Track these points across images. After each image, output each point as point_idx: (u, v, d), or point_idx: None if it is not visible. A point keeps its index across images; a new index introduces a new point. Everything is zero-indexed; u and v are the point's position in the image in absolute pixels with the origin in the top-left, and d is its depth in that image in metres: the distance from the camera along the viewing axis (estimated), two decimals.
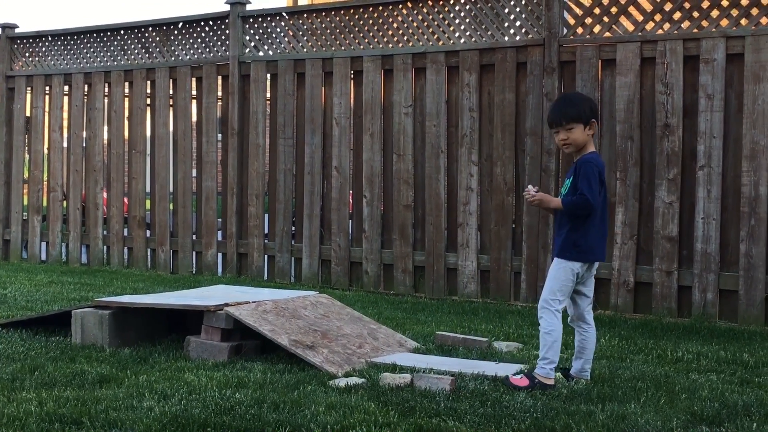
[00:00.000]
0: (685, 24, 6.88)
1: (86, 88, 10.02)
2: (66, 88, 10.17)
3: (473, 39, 7.75)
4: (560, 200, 4.37)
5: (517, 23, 7.57)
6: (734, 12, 6.68)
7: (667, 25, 6.94)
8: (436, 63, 7.87)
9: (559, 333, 4.30)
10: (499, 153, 7.56)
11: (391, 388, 4.13)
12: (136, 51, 9.71)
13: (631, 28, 7.10)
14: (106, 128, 9.95)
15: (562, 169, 7.35)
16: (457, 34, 7.86)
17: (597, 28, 7.22)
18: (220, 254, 9.13)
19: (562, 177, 7.35)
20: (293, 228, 8.76)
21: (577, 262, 4.35)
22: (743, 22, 6.66)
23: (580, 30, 7.29)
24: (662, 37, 6.88)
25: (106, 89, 9.90)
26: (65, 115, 10.23)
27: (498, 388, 4.17)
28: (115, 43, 9.85)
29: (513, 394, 4.05)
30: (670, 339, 5.74)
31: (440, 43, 7.91)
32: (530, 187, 4.51)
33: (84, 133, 10.00)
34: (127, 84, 9.74)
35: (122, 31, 9.82)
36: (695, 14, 6.83)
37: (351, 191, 8.39)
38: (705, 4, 6.79)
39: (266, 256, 8.82)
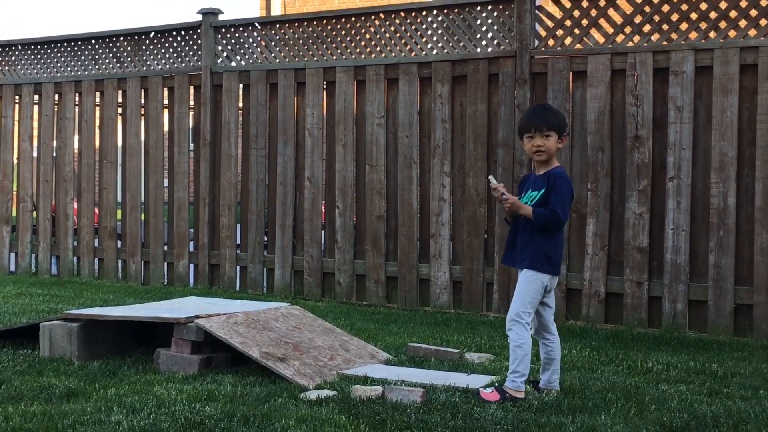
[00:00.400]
0: (655, 36, 6.95)
1: (57, 98, 9.94)
2: (36, 97, 10.08)
3: (445, 50, 7.78)
4: (531, 209, 4.34)
5: (489, 35, 7.60)
6: (703, 25, 6.75)
7: (637, 38, 7.00)
8: (408, 74, 7.88)
9: (530, 346, 4.31)
10: (472, 164, 7.59)
11: (363, 400, 4.12)
12: (107, 60, 9.65)
13: (601, 40, 7.16)
14: (76, 138, 9.87)
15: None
16: (429, 45, 7.88)
17: (568, 40, 7.27)
18: (191, 265, 9.07)
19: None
20: (266, 239, 8.73)
21: (548, 275, 4.36)
22: (712, 35, 6.73)
23: (551, 42, 7.33)
24: (632, 50, 6.94)
25: (77, 99, 9.83)
26: (35, 124, 10.13)
27: (469, 400, 4.18)
28: (86, 52, 9.78)
29: (484, 407, 4.05)
30: (640, 349, 5.77)
31: (413, 54, 7.93)
32: (492, 179, 4.47)
33: (54, 142, 9.92)
34: (98, 93, 9.68)
35: (93, 41, 9.76)
36: (665, 27, 6.90)
37: (323, 202, 8.38)
38: (674, 17, 6.86)
39: (238, 267, 8.77)
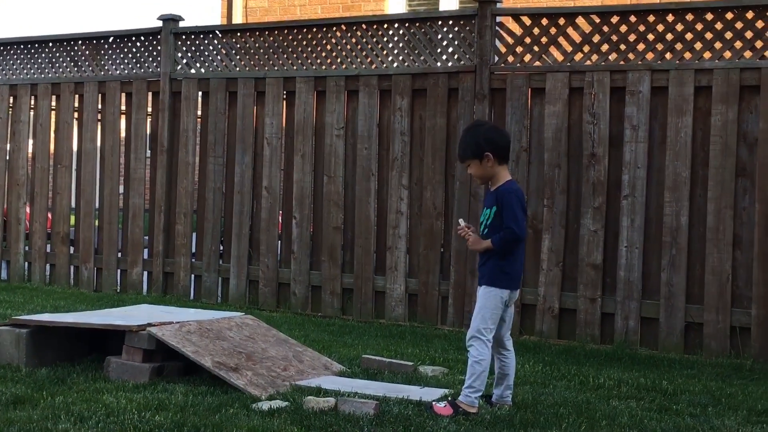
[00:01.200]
0: (613, 56, 7.04)
1: (11, 100, 9.80)
2: None
3: (406, 63, 7.81)
4: (489, 242, 4.35)
5: (450, 49, 7.65)
6: (659, 46, 6.86)
7: (595, 57, 7.09)
8: (368, 86, 7.90)
9: (488, 363, 4.29)
10: (429, 177, 7.61)
11: (315, 412, 4.10)
12: (64, 64, 9.53)
13: (560, 58, 7.24)
14: (31, 141, 9.73)
15: None
16: (390, 58, 7.91)
17: (527, 57, 7.33)
18: (145, 272, 8.97)
19: None
20: (221, 247, 8.66)
21: (507, 290, 4.37)
22: (668, 56, 6.84)
23: (511, 58, 7.39)
24: (590, 68, 7.02)
25: (33, 102, 9.69)
26: None
27: (422, 413, 4.17)
28: (43, 55, 9.66)
29: (437, 419, 4.05)
30: (592, 365, 5.82)
31: (373, 66, 7.94)
32: (461, 221, 4.55)
33: (8, 145, 9.76)
34: (54, 97, 9.55)
35: (50, 44, 9.64)
36: (622, 47, 6.99)
37: (281, 212, 8.34)
38: (632, 38, 6.96)
39: (193, 276, 8.70)
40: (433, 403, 4.29)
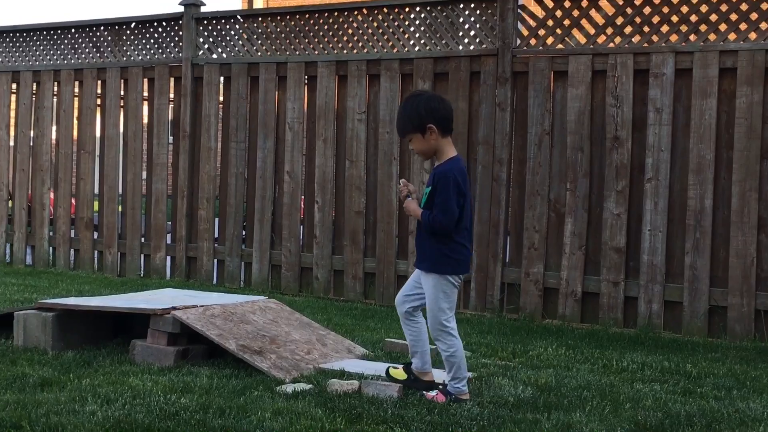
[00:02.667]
0: (636, 38, 6.98)
1: (35, 87, 9.86)
2: (14, 86, 9.99)
3: (428, 47, 7.78)
4: (420, 214, 4.12)
5: (472, 33, 7.61)
6: (683, 28, 6.79)
7: (618, 39, 7.03)
8: (390, 70, 7.88)
9: (461, 349, 4.18)
10: None
11: (339, 394, 4.11)
12: (87, 50, 9.58)
13: (583, 40, 7.19)
14: (54, 128, 9.79)
15: (514, 179, 7.41)
16: (411, 42, 7.88)
17: (550, 40, 7.29)
18: (169, 258, 9.03)
19: (514, 186, 7.42)
20: (244, 232, 8.70)
21: (455, 274, 4.18)
22: (692, 37, 6.77)
23: (533, 41, 7.35)
24: (613, 51, 6.97)
25: (56, 88, 9.75)
26: (13, 113, 10.04)
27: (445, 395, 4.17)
28: (66, 41, 9.70)
29: (460, 402, 4.06)
30: (615, 349, 5.81)
31: (395, 50, 7.93)
32: (402, 181, 4.30)
33: (31, 132, 9.83)
34: (77, 83, 9.60)
35: (73, 30, 9.68)
36: (646, 29, 6.93)
37: (303, 196, 8.36)
38: (655, 20, 6.90)
39: (216, 260, 8.74)
40: (425, 393, 4.19)
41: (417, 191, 4.30)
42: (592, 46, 7.10)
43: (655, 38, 6.90)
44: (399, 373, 4.33)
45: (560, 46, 7.24)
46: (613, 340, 6.17)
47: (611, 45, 7.05)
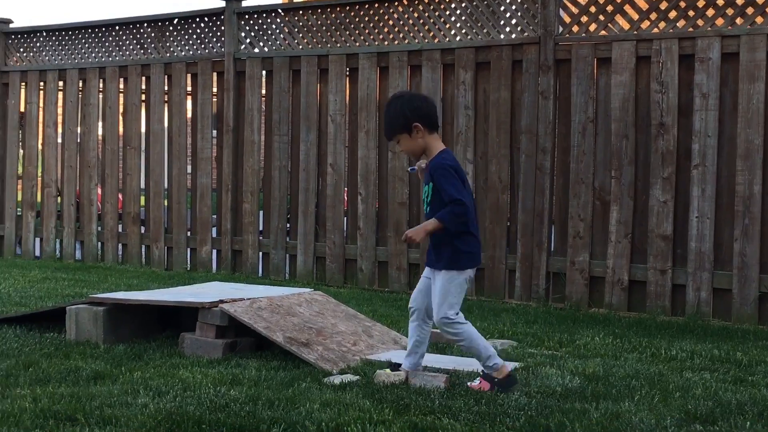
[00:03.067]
0: (681, 23, 6.89)
1: (81, 84, 10.00)
2: (61, 83, 10.15)
3: (469, 37, 7.75)
4: (435, 220, 4.07)
5: (513, 21, 7.57)
6: (729, 11, 6.69)
7: (662, 24, 6.95)
8: (431, 60, 7.86)
9: (474, 331, 4.16)
10: (494, 151, 7.57)
11: (386, 385, 4.13)
12: (131, 47, 9.69)
13: (626, 26, 7.11)
14: (100, 124, 9.93)
15: (557, 168, 7.36)
16: (452, 32, 7.86)
17: (593, 27, 7.22)
18: (214, 251, 9.12)
19: (558, 175, 7.37)
20: (288, 225, 8.76)
21: (469, 269, 4.18)
22: (738, 21, 6.67)
23: (575, 28, 7.29)
24: (658, 36, 6.89)
25: (101, 85, 9.88)
26: (60, 110, 10.20)
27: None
28: (110, 38, 9.83)
29: (507, 393, 4.05)
30: (664, 337, 5.76)
31: (436, 40, 7.91)
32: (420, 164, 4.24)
33: (78, 128, 9.98)
34: (122, 80, 9.73)
35: (117, 27, 9.80)
36: (691, 13, 6.84)
37: (346, 188, 8.39)
38: (701, 3, 6.80)
39: (261, 253, 8.81)
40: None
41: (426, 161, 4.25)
42: (635, 32, 7.02)
43: (700, 22, 6.80)
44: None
45: (603, 32, 7.17)
46: (661, 329, 6.12)
47: (655, 30, 6.96)
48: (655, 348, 5.30)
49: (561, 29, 7.34)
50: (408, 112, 4.14)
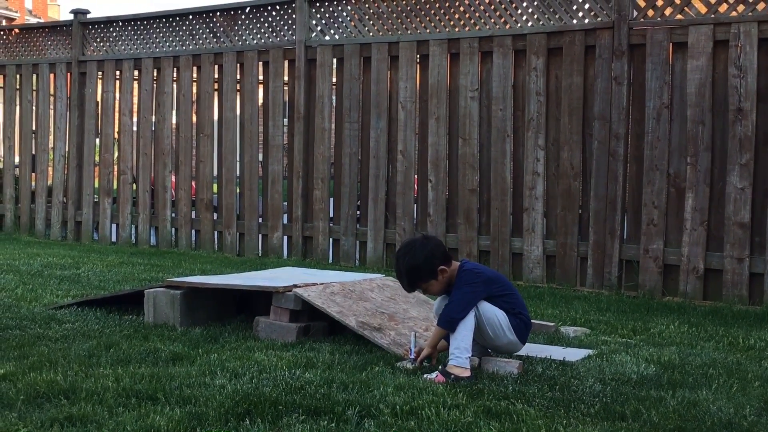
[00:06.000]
0: (761, 6, 6.72)
1: (155, 73, 10.18)
2: (136, 72, 10.35)
3: (541, 22, 7.68)
4: (439, 330, 4.18)
5: (586, 6, 7.47)
6: None
7: (741, 7, 6.79)
8: (502, 47, 7.81)
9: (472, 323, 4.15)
10: (566, 137, 7.49)
11: None
12: (204, 36, 9.83)
13: (703, 10, 6.96)
14: (174, 112, 10.10)
15: (631, 154, 7.26)
16: (524, 17, 7.79)
17: (668, 11, 7.09)
18: (285, 237, 9.22)
19: (631, 161, 7.27)
20: (358, 212, 8.80)
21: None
22: None
23: (650, 12, 7.17)
24: (736, 20, 6.74)
25: (175, 74, 10.05)
26: (135, 99, 10.41)
27: (566, 372, 4.15)
28: (184, 28, 9.98)
29: (582, 379, 4.02)
30: (741, 326, 5.65)
31: (507, 26, 7.85)
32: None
33: (153, 117, 10.17)
34: (195, 68, 9.88)
35: (190, 16, 9.95)
36: None
37: (416, 175, 8.40)
38: None
39: (331, 240, 8.88)
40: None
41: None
42: (713, 15, 6.87)
43: None
44: None
45: (679, 16, 7.03)
46: (738, 318, 6.00)
47: (733, 14, 6.80)
48: (732, 337, 5.20)
49: (635, 13, 7.22)
50: (426, 263, 4.20)
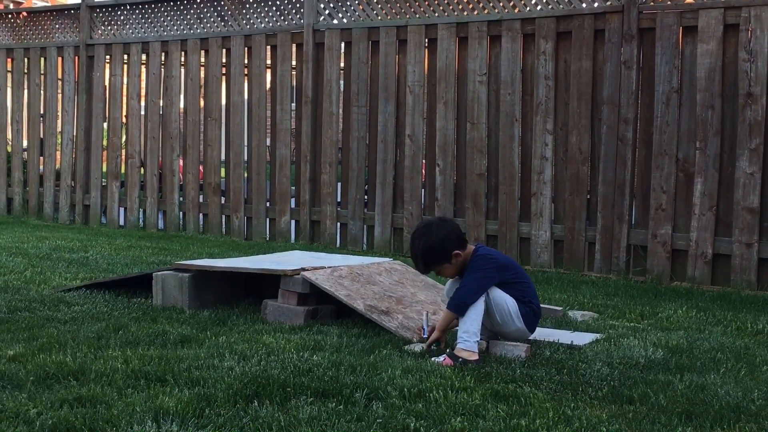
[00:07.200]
0: None
1: (163, 57, 10.17)
2: (144, 56, 10.34)
3: (550, 6, 7.65)
4: (448, 313, 4.18)
5: None
6: None
7: None
8: (511, 30, 7.78)
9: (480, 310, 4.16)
10: (575, 122, 7.47)
11: None
12: (212, 19, 9.81)
13: None
14: (182, 96, 10.10)
15: (640, 138, 7.24)
16: (533, 1, 7.76)
17: None
18: (293, 221, 9.23)
19: (640, 146, 7.25)
20: (366, 196, 8.80)
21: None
22: None
23: None
24: (747, 3, 6.69)
25: (183, 58, 10.04)
26: (143, 83, 10.40)
27: (574, 356, 4.16)
28: (192, 11, 9.96)
29: (589, 363, 4.03)
30: (749, 311, 5.64)
31: (516, 10, 7.82)
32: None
33: (161, 101, 10.17)
34: (203, 52, 9.86)
35: (198, 0, 9.92)
36: None
37: (424, 160, 8.39)
38: None
39: (339, 224, 8.88)
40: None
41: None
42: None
43: None
44: None
45: (689, 0, 6.99)
46: (747, 303, 5.99)
47: None
48: (740, 322, 5.20)
49: None
50: (442, 246, 4.20)
